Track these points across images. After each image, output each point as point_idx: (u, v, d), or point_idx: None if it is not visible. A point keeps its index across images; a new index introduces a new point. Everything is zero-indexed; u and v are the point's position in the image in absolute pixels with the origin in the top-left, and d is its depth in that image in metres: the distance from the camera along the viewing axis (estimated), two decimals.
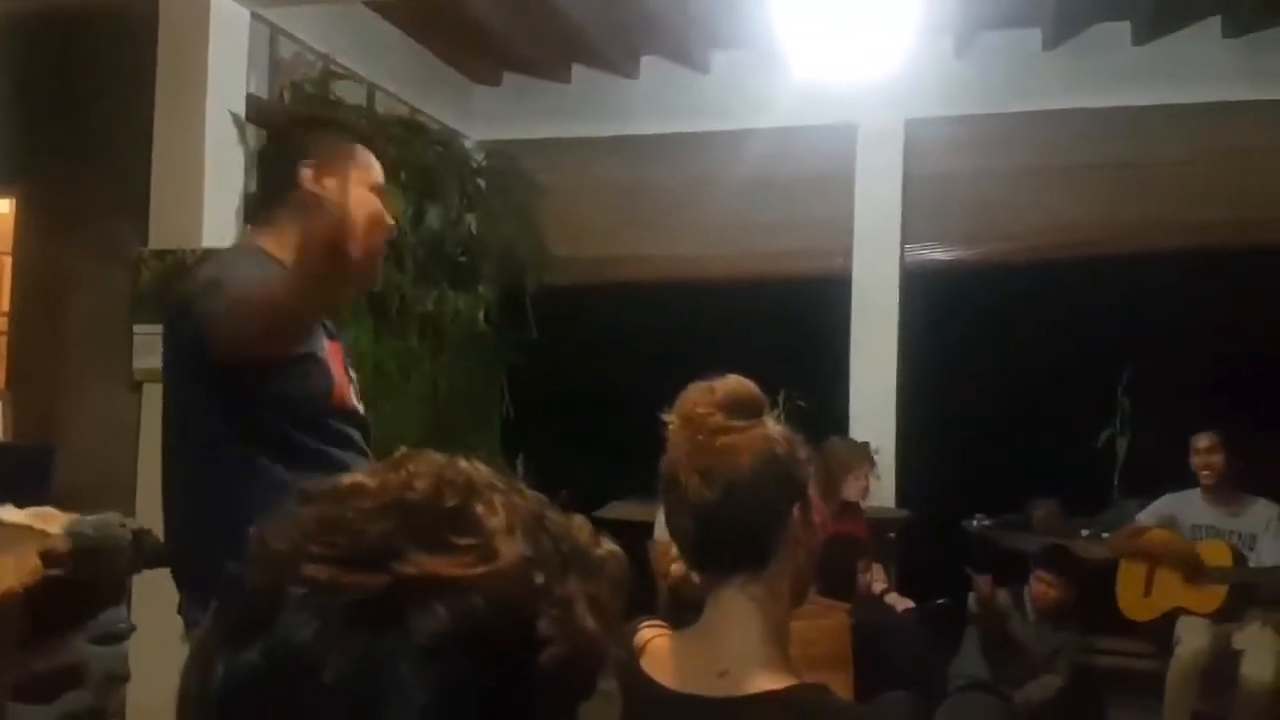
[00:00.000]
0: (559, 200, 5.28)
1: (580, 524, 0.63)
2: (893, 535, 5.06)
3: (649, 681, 1.32)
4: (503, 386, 5.29)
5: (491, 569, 0.55)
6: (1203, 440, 4.13)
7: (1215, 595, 3.92)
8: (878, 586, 4.31)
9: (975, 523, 4.98)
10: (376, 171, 1.92)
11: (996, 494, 5.03)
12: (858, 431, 5.18)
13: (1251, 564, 3.94)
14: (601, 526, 0.65)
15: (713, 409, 1.28)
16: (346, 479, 0.60)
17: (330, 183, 1.70)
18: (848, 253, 5.32)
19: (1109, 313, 5.03)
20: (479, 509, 0.58)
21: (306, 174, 1.81)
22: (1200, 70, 4.80)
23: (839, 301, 5.35)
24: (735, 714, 1.22)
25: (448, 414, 4.77)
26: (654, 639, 1.37)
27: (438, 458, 0.61)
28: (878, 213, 5.29)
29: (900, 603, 4.25)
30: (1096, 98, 4.96)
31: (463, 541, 0.56)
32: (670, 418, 1.32)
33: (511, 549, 0.57)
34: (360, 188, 1.79)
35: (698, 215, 5.37)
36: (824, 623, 3.51)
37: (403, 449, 0.63)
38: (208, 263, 1.86)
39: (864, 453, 4.54)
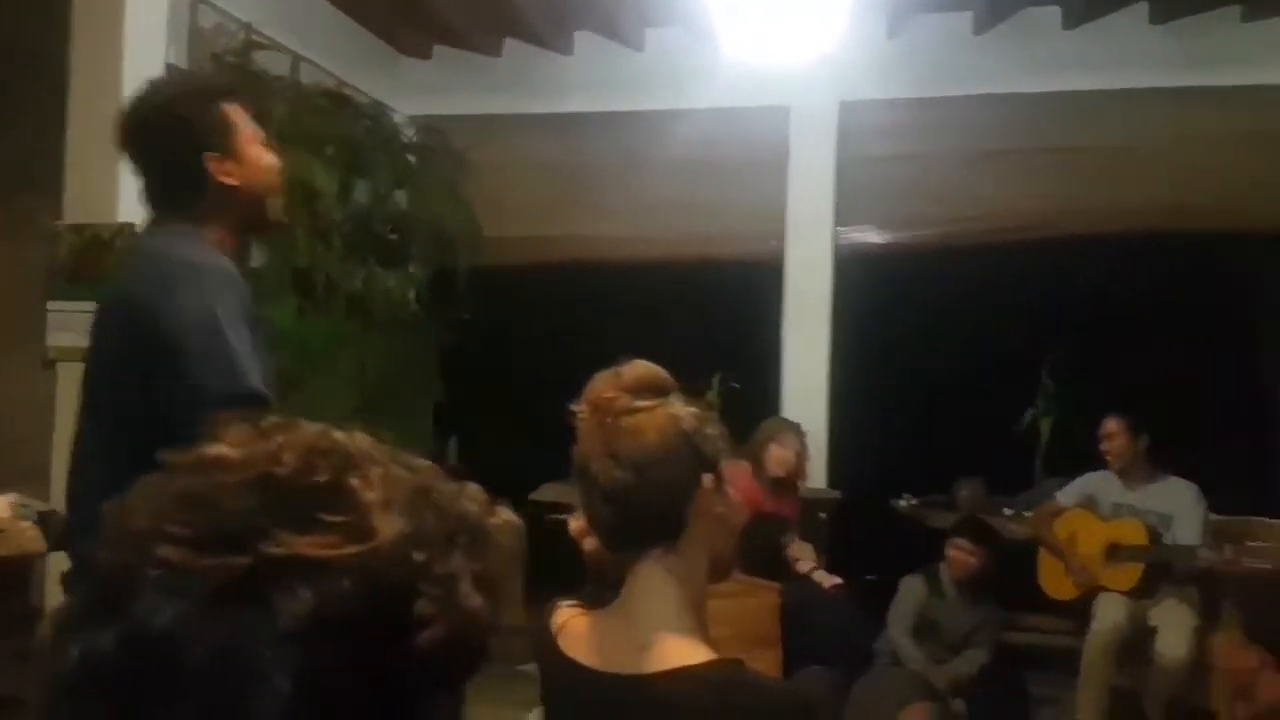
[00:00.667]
0: (491, 178, 5.22)
1: (473, 493, 0.60)
2: (824, 515, 5.12)
3: (568, 661, 1.32)
4: (434, 368, 5.24)
5: (365, 548, 0.53)
6: (1109, 425, 4.23)
7: (1132, 573, 4.02)
8: (806, 565, 4.35)
9: (903, 502, 5.06)
10: (257, 123, 1.94)
11: (924, 474, 5.12)
12: (790, 413, 5.21)
13: (1168, 542, 4.04)
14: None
15: (619, 393, 1.29)
16: (210, 449, 0.56)
17: (236, 167, 1.83)
18: (781, 235, 5.34)
19: (1036, 296, 5.13)
20: (354, 483, 0.55)
21: (212, 164, 1.84)
22: (1129, 56, 4.89)
23: (772, 284, 5.38)
24: (653, 689, 1.23)
25: (377, 396, 4.70)
26: (572, 619, 1.36)
27: (310, 428, 0.58)
28: (811, 195, 5.32)
29: (828, 580, 4.29)
30: (1027, 82, 5.03)
31: (334, 519, 0.53)
32: (579, 407, 1.32)
33: (388, 526, 0.54)
34: (255, 146, 1.88)
35: (632, 195, 5.35)
36: (753, 602, 3.53)
37: (273, 417, 0.59)
38: (158, 255, 1.82)
39: (787, 425, 4.56)
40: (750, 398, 5.27)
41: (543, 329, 5.46)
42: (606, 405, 1.29)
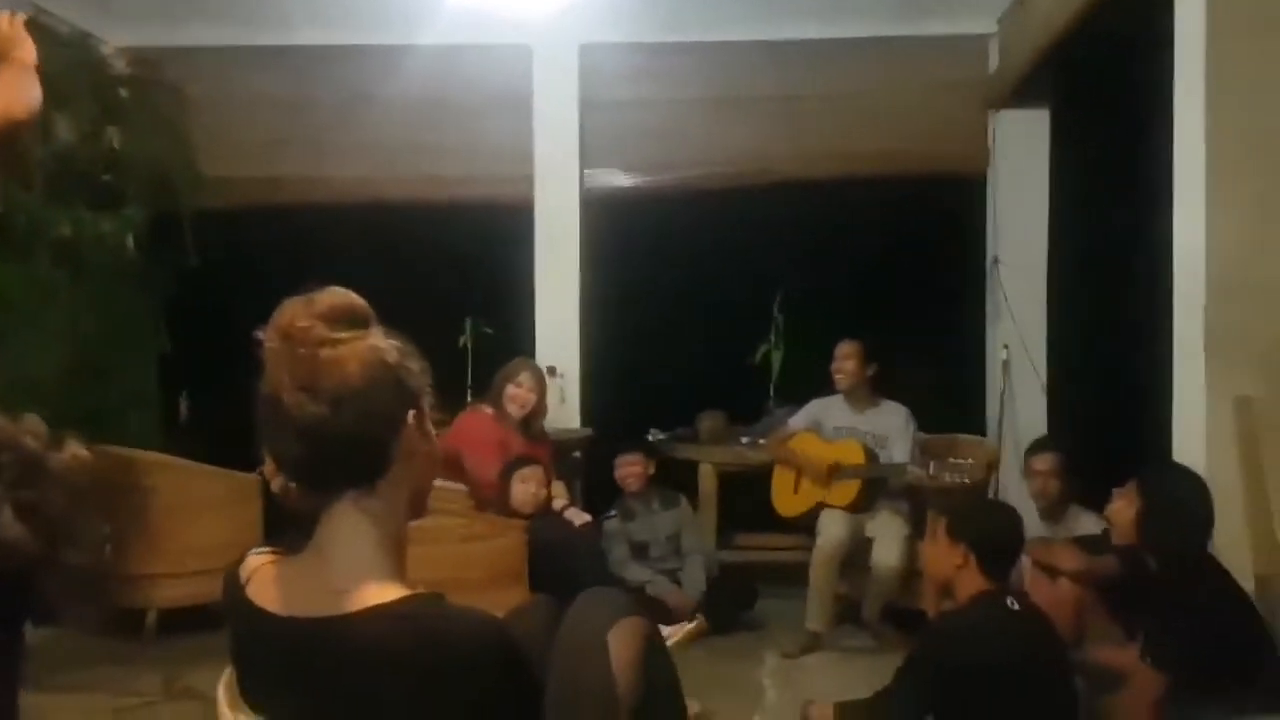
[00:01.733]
0: (213, 115, 4.91)
1: (33, 427, 0.58)
2: (578, 454, 5.23)
3: (255, 610, 1.27)
4: (158, 320, 4.90)
5: None
6: (843, 348, 4.55)
7: (850, 489, 4.36)
8: (558, 504, 4.46)
9: (651, 437, 5.24)
10: None
11: (670, 409, 5.32)
12: (543, 355, 5.27)
13: (883, 461, 4.40)
14: None
15: (313, 321, 1.23)
16: None
17: None
18: (529, 178, 5.34)
19: (768, 236, 5.38)
20: None
21: None
22: (849, 6, 5.14)
23: (523, 226, 5.37)
24: (343, 631, 1.20)
25: (94, 351, 4.36)
26: (262, 566, 1.32)
27: None
28: (557, 138, 5.33)
29: (580, 518, 4.42)
30: (761, 30, 5.23)
31: None
32: (266, 335, 1.25)
33: None
34: None
35: (370, 135, 5.18)
36: (501, 541, 3.59)
37: None
38: None
39: (525, 365, 4.62)
40: (503, 341, 5.28)
41: (279, 276, 5.20)
42: (302, 335, 1.22)
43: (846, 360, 4.51)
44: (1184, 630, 2.85)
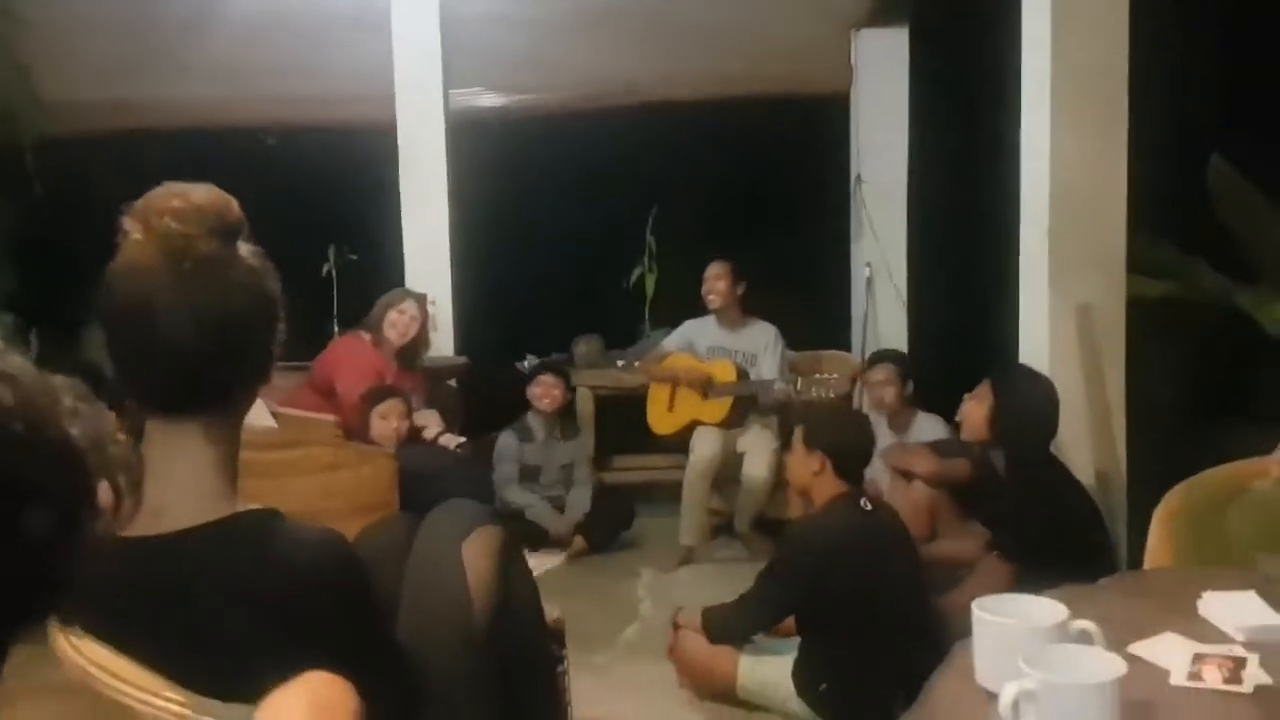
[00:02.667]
0: (48, 36, 4.60)
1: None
2: (453, 382, 5.19)
3: None
4: (1, 254, 4.64)
5: None
6: (714, 269, 4.60)
7: (722, 406, 4.47)
8: (431, 432, 4.43)
9: (526, 363, 5.25)
10: None
11: (545, 335, 5.32)
12: (413, 283, 5.16)
13: (753, 378, 4.50)
14: None
15: (192, 228, 1.17)
16: None
17: None
18: (390, 98, 5.17)
19: (639, 159, 5.36)
20: None
21: None
22: None
23: (387, 149, 5.21)
24: (167, 552, 1.18)
25: None
26: None
27: None
28: (418, 57, 5.15)
29: (453, 443, 4.40)
30: None
31: None
32: (133, 226, 1.17)
33: None
34: None
35: (219, 54, 4.93)
36: (368, 469, 3.55)
37: None
38: None
39: (406, 293, 4.55)
40: (370, 268, 5.17)
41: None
42: (184, 247, 1.16)
43: (717, 281, 4.57)
44: (1030, 524, 3.04)
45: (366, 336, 4.43)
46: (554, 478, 4.63)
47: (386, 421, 4.00)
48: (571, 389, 4.80)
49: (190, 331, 1.16)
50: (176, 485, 1.22)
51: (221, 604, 1.19)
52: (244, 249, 1.23)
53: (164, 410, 1.23)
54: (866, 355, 5.21)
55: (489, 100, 5.33)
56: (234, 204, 1.23)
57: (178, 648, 1.22)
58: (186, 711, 1.21)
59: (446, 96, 5.24)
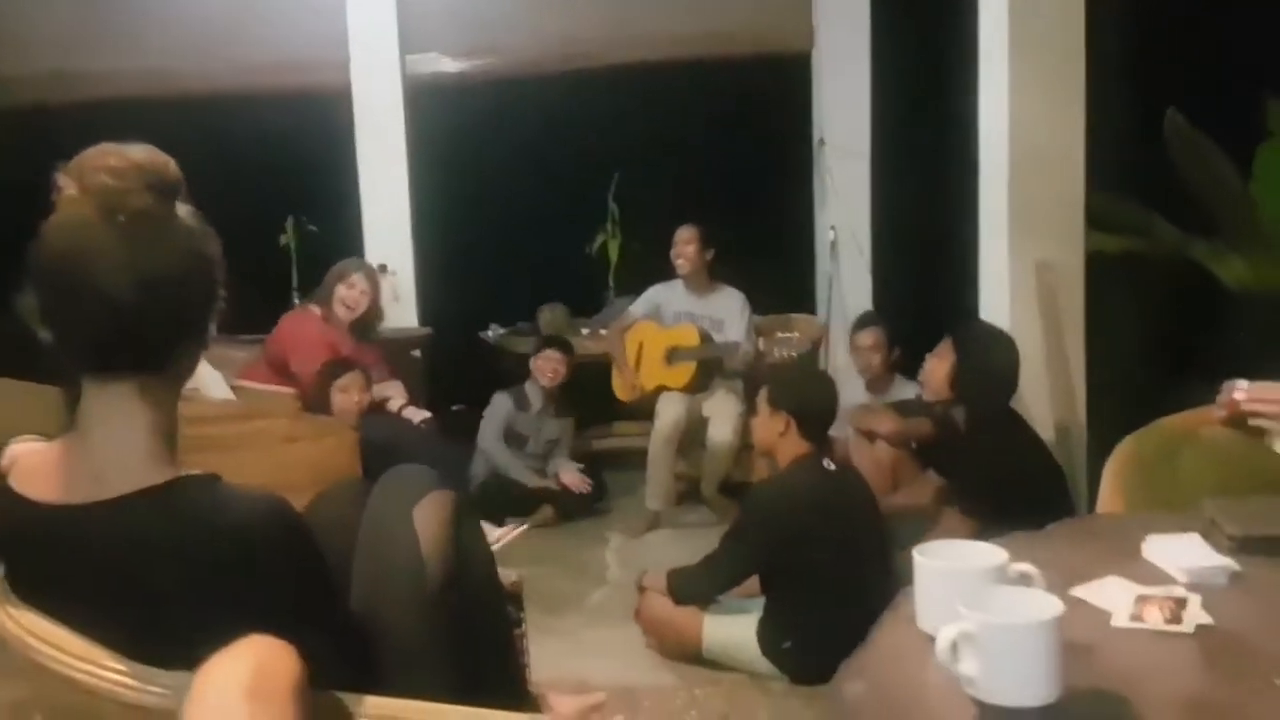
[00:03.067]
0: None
1: None
2: (417, 353, 5.16)
3: (17, 498, 1.22)
4: None
5: None
6: (683, 233, 4.57)
7: (686, 371, 4.46)
8: (394, 404, 4.40)
9: (491, 333, 5.22)
10: None
11: (508, 304, 5.29)
12: (373, 253, 5.12)
13: (718, 342, 4.49)
14: None
15: (131, 185, 1.15)
16: None
17: None
18: (345, 64, 5.08)
19: (600, 123, 5.31)
20: None
21: None
22: None
23: (343, 118, 5.14)
24: (107, 517, 1.16)
25: None
26: (25, 455, 1.26)
27: None
28: (372, 22, 5.08)
29: (418, 415, 4.38)
30: None
31: None
32: (67, 182, 1.15)
33: None
34: None
35: (170, 25, 4.83)
36: (329, 441, 3.52)
37: None
38: None
39: (356, 264, 4.47)
40: (329, 239, 5.11)
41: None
42: (121, 202, 1.14)
43: (687, 245, 4.54)
44: (989, 480, 3.06)
45: (317, 310, 4.37)
46: (539, 449, 4.63)
47: (347, 395, 3.96)
48: (510, 354, 4.80)
49: (124, 286, 1.14)
50: (115, 450, 1.20)
51: (163, 571, 1.17)
52: (181, 209, 1.21)
53: (99, 370, 1.21)
54: (831, 319, 5.24)
55: (447, 65, 5.26)
56: (172, 163, 1.21)
57: (120, 616, 1.20)
58: (129, 681, 1.19)
59: (403, 62, 5.16)
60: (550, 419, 4.66)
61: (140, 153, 1.18)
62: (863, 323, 4.40)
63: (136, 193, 1.15)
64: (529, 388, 4.65)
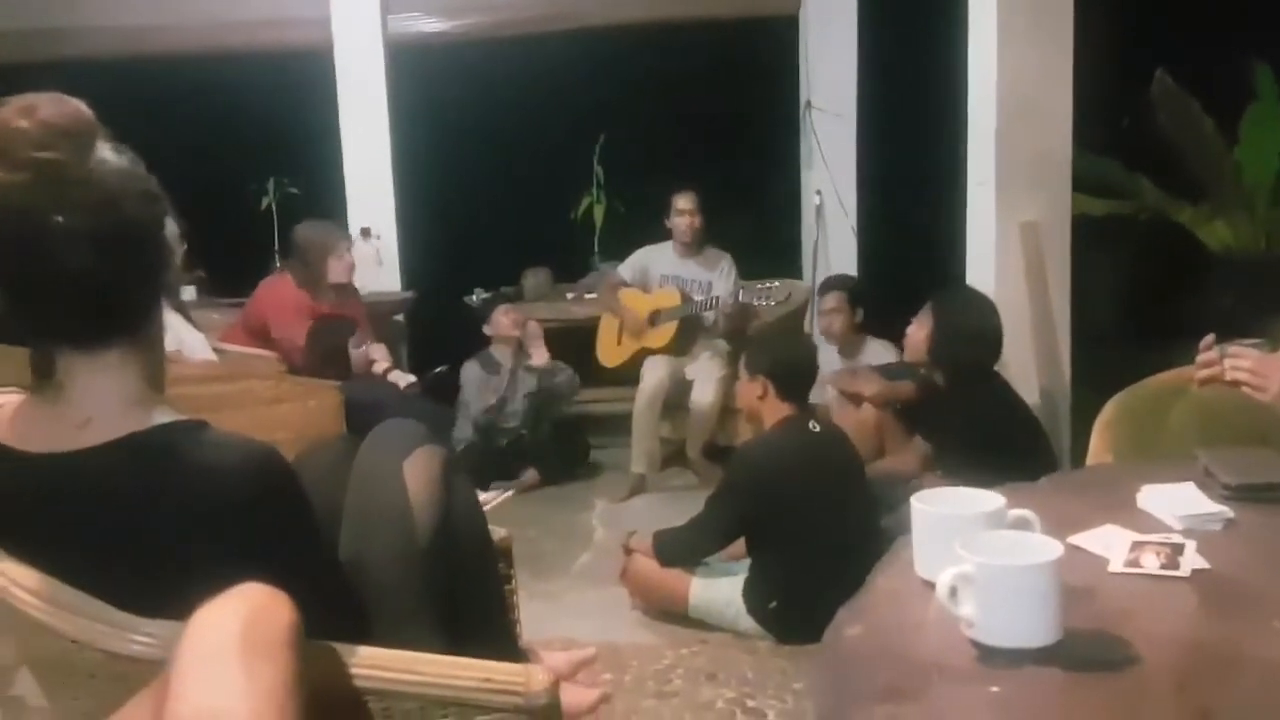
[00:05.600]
0: None
1: None
2: (399, 317, 5.12)
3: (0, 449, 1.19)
4: None
5: None
6: (682, 201, 4.52)
7: (668, 332, 4.45)
8: (380, 367, 4.36)
9: (475, 297, 5.17)
10: None
11: (492, 268, 5.24)
12: (357, 217, 5.07)
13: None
14: None
15: (44, 139, 1.09)
16: None
17: None
18: (326, 22, 4.99)
19: (584, 85, 5.25)
20: None
21: None
22: None
23: (322, 76, 5.05)
24: (93, 464, 1.14)
25: None
26: (5, 405, 1.23)
27: None
28: None
29: (404, 380, 4.35)
30: None
31: None
32: None
33: None
34: None
35: None
36: (313, 403, 3.50)
37: None
38: None
39: (340, 232, 4.44)
40: (311, 201, 5.04)
41: None
42: (52, 168, 1.09)
43: (693, 215, 4.48)
44: (971, 441, 3.07)
45: (286, 275, 4.31)
46: (518, 407, 4.55)
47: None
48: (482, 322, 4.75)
49: (74, 246, 1.10)
50: (98, 398, 1.17)
51: (150, 518, 1.14)
52: (104, 152, 1.14)
53: (71, 339, 1.17)
54: (816, 282, 5.22)
55: (429, 25, 5.18)
56: (83, 107, 1.15)
57: (106, 565, 1.18)
58: (117, 631, 1.17)
59: (385, 22, 5.09)
60: (523, 373, 4.60)
61: (49, 107, 1.12)
62: (827, 286, 4.42)
63: (50, 147, 1.10)
64: (495, 350, 4.61)
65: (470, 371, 4.54)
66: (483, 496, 3.76)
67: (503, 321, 4.57)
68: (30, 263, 1.11)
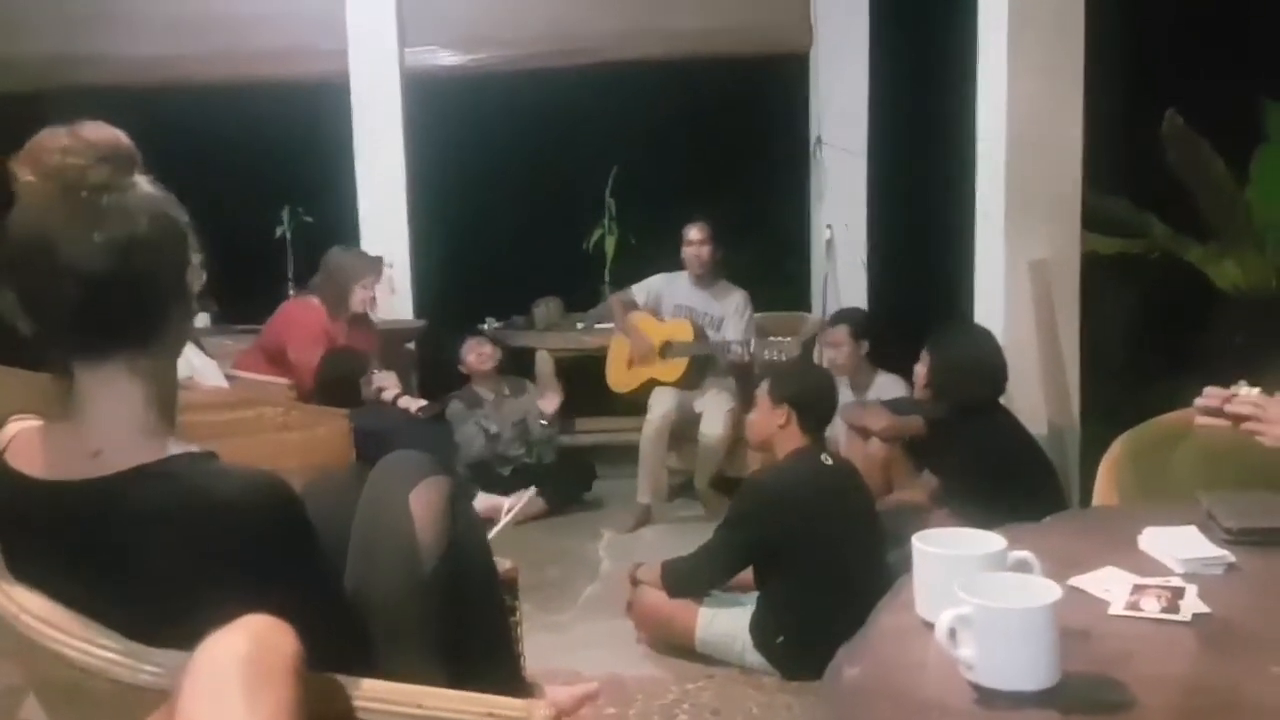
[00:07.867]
0: None
1: None
2: (411, 345, 5.15)
3: (15, 475, 1.21)
4: None
5: None
6: (694, 231, 4.55)
7: (679, 367, 4.46)
8: (390, 394, 4.39)
9: (486, 326, 5.20)
10: None
11: (504, 297, 5.28)
12: (370, 245, 5.11)
13: (714, 340, 4.48)
14: None
15: (87, 161, 1.14)
16: None
17: None
18: (343, 54, 5.07)
19: (597, 119, 5.31)
20: None
21: None
22: None
23: (338, 107, 5.12)
24: (104, 494, 1.15)
25: None
26: (22, 431, 1.25)
27: None
28: (371, 10, 5.07)
29: (414, 405, 4.37)
30: None
31: None
32: (22, 169, 1.14)
33: None
34: None
35: (166, 9, 4.81)
36: (322, 430, 3.51)
37: None
38: None
39: (372, 263, 4.49)
40: (325, 230, 5.09)
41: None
42: (78, 177, 1.13)
43: (702, 245, 4.50)
44: (976, 475, 3.06)
45: (316, 301, 4.36)
46: (511, 435, 4.59)
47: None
48: (506, 348, 4.79)
49: (97, 260, 1.13)
50: (110, 427, 1.19)
51: (159, 548, 1.16)
52: (140, 179, 1.19)
53: (86, 352, 1.20)
54: (826, 316, 5.23)
55: (445, 58, 5.25)
56: (123, 136, 1.20)
57: (115, 594, 1.19)
58: (124, 659, 1.19)
59: (401, 55, 5.15)
60: (508, 400, 4.63)
61: (91, 129, 1.17)
62: (834, 319, 4.43)
63: (94, 167, 1.14)
64: (475, 385, 4.65)
65: (455, 410, 4.58)
66: (506, 502, 3.79)
67: (470, 360, 4.63)
68: (57, 275, 1.14)
